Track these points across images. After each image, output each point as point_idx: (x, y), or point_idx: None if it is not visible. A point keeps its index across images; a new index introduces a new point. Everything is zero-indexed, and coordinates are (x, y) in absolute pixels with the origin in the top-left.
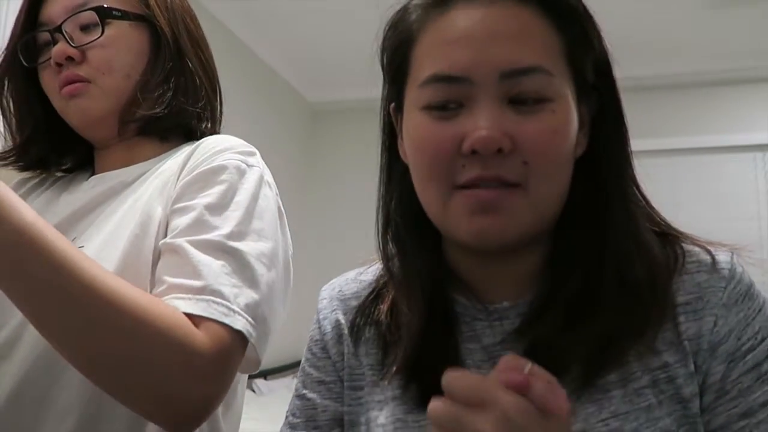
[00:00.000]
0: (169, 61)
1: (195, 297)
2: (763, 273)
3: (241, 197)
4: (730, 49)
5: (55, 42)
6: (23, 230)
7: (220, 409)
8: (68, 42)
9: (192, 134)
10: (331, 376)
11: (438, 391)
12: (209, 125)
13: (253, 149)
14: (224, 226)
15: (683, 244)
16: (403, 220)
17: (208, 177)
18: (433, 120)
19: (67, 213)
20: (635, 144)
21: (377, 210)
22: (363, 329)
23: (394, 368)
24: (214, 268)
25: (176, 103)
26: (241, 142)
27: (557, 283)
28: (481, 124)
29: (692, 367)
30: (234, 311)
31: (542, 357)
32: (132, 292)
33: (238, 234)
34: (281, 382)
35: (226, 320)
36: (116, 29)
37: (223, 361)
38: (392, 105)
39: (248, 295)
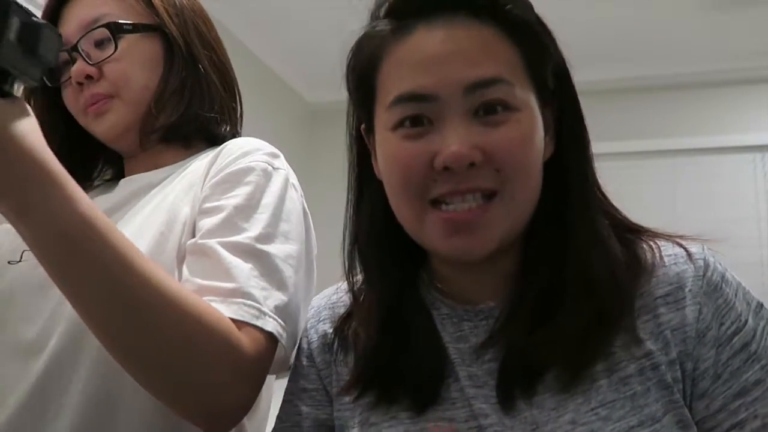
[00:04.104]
0: (183, 68)
1: (227, 299)
2: (763, 274)
3: (268, 199)
4: (730, 49)
5: (73, 61)
6: (83, 220)
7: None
8: (85, 60)
9: (214, 138)
10: (314, 384)
11: (402, 392)
12: (228, 128)
13: (278, 152)
14: (252, 228)
15: (656, 240)
16: (371, 238)
17: (236, 178)
18: (404, 140)
19: None
20: (635, 145)
21: (344, 227)
22: (347, 338)
23: (349, 383)
24: (244, 271)
25: (191, 110)
26: (266, 144)
27: (525, 285)
28: (450, 140)
29: (674, 354)
30: (264, 313)
31: (519, 358)
32: (184, 291)
33: (266, 236)
34: (281, 383)
35: (258, 322)
36: (129, 42)
37: (261, 362)
38: (362, 126)
39: (277, 297)
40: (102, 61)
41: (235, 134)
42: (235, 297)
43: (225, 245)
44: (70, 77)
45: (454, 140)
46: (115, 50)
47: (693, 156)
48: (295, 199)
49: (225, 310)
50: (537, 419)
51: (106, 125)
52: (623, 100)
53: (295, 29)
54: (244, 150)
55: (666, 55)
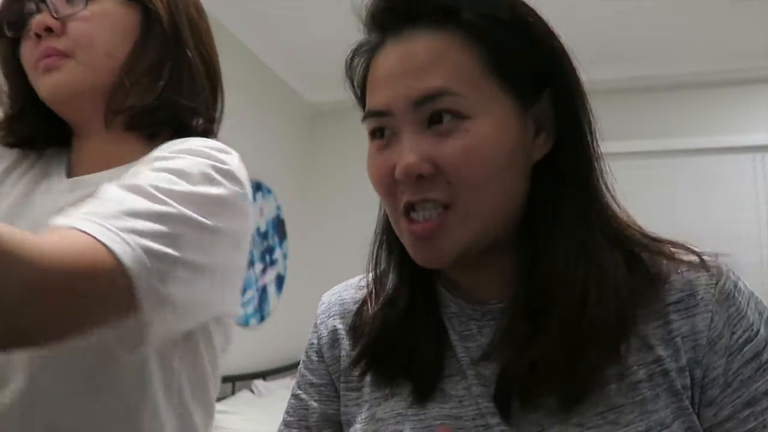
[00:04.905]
0: (160, 47)
1: (83, 217)
2: (763, 274)
3: (190, 170)
4: (730, 49)
5: (39, 12)
6: None
7: (198, 418)
8: (50, 12)
9: (182, 132)
10: (323, 380)
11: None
12: (201, 122)
13: (230, 150)
14: (163, 185)
15: (669, 247)
16: (389, 236)
17: (159, 159)
18: (376, 151)
19: (44, 221)
20: (635, 145)
21: (377, 222)
22: (359, 329)
23: (355, 364)
24: (125, 202)
25: (168, 94)
26: (218, 143)
27: (521, 288)
28: (403, 152)
29: (683, 361)
30: (125, 241)
31: (517, 370)
32: None
33: (180, 197)
34: (280, 383)
35: (103, 237)
36: (103, 4)
37: (89, 276)
38: None
39: (158, 245)
40: (67, 15)
41: (208, 131)
42: (92, 217)
43: (120, 186)
44: (31, 29)
45: (406, 152)
46: (85, 7)
47: (693, 156)
48: (233, 190)
49: (73, 222)
50: (543, 421)
51: (51, 82)
52: (623, 100)
53: (295, 29)
54: (187, 141)
55: (666, 55)
